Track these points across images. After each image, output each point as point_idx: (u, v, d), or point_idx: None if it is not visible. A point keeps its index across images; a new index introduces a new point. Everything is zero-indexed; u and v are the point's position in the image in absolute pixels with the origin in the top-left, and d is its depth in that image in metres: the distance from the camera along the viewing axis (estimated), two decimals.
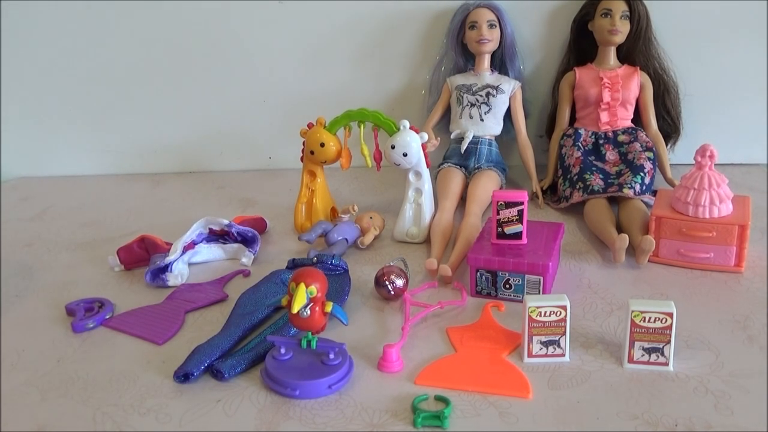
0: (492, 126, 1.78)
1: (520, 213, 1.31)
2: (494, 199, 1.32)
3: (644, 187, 1.57)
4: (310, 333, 1.08)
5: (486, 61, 1.80)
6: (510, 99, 1.80)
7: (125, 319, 1.26)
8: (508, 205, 1.31)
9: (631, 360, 1.06)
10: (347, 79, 1.99)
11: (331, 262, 1.37)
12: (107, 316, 1.27)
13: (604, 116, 1.75)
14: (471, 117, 1.78)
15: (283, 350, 1.07)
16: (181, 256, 1.42)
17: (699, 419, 0.95)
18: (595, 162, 1.70)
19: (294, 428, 0.96)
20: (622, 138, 1.73)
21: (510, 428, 0.95)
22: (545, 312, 1.07)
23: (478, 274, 1.29)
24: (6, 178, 2.15)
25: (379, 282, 1.29)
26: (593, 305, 1.26)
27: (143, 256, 1.46)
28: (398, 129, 1.53)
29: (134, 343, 1.19)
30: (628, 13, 1.72)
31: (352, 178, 1.97)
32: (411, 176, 1.55)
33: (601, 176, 1.62)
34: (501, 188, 1.72)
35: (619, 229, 1.46)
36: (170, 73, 2.02)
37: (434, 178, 1.69)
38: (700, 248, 1.36)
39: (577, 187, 1.62)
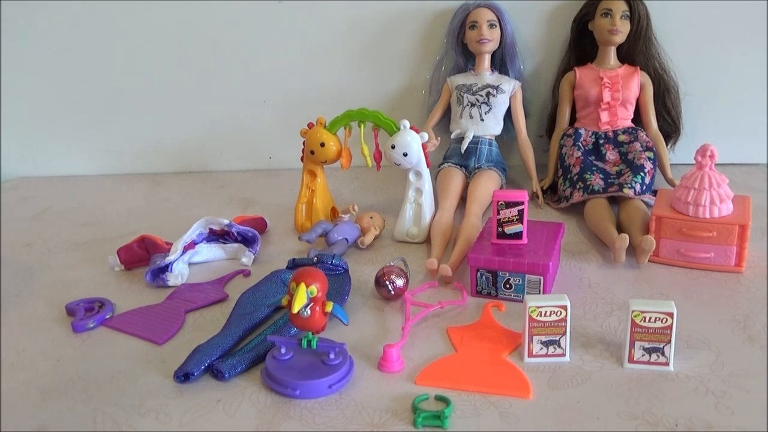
0: (492, 126, 1.78)
1: (521, 213, 1.31)
2: (494, 198, 1.32)
3: (644, 187, 1.57)
4: (310, 333, 1.08)
5: (486, 60, 1.80)
6: (510, 99, 1.80)
7: (125, 319, 1.26)
8: (509, 204, 1.31)
9: (631, 360, 1.06)
10: (347, 79, 1.99)
11: (332, 262, 1.37)
12: (107, 316, 1.27)
13: (605, 116, 1.75)
14: (471, 117, 1.77)
15: (283, 350, 1.07)
16: (181, 256, 1.42)
17: (699, 419, 0.95)
18: (595, 162, 1.70)
19: (294, 428, 0.96)
20: (622, 138, 1.73)
21: (510, 428, 0.95)
22: (545, 312, 1.07)
23: (479, 273, 1.29)
24: (6, 178, 2.15)
25: (380, 282, 1.29)
26: (593, 305, 1.26)
27: (143, 256, 1.46)
28: (398, 129, 1.53)
29: (134, 343, 1.19)
30: (628, 13, 1.72)
31: (352, 178, 1.97)
32: (411, 176, 1.55)
33: (601, 176, 1.62)
34: (501, 188, 1.72)
35: (620, 229, 1.46)
36: (170, 73, 2.02)
37: (434, 178, 1.69)
38: (701, 248, 1.36)
39: (578, 186, 1.62)
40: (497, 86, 1.78)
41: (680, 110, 1.84)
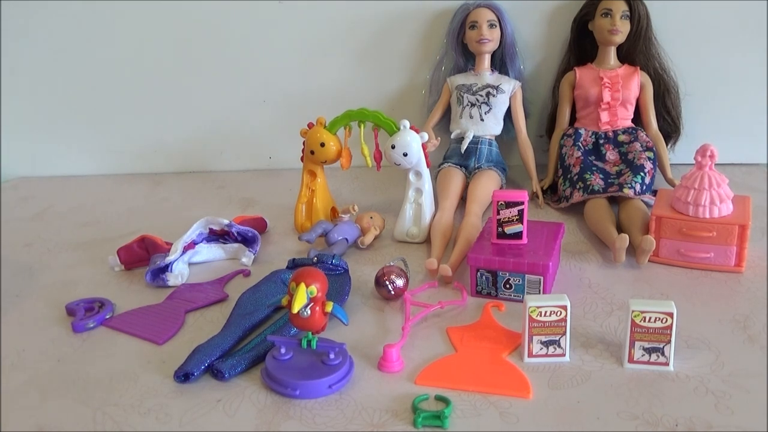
0: (492, 126, 1.78)
1: (521, 213, 1.31)
2: (494, 198, 1.32)
3: (644, 187, 1.57)
4: (310, 333, 1.08)
5: (486, 60, 1.80)
6: (510, 99, 1.80)
7: (125, 319, 1.26)
8: (509, 204, 1.31)
9: (631, 360, 1.06)
10: (347, 79, 1.99)
11: (332, 262, 1.37)
12: (107, 316, 1.27)
13: (605, 116, 1.75)
14: (471, 117, 1.77)
15: (283, 350, 1.07)
16: (181, 256, 1.42)
17: (699, 419, 0.95)
18: (595, 162, 1.70)
19: (294, 428, 0.96)
20: (622, 138, 1.73)
21: (510, 428, 0.95)
22: (545, 312, 1.07)
23: (479, 273, 1.29)
24: (6, 178, 2.15)
25: (380, 282, 1.29)
26: (593, 305, 1.26)
27: (143, 256, 1.46)
28: (398, 129, 1.53)
29: (134, 343, 1.19)
30: (628, 13, 1.72)
31: (352, 178, 1.97)
32: (411, 176, 1.55)
33: (601, 176, 1.62)
34: (501, 188, 1.72)
35: (619, 229, 1.46)
36: (170, 73, 2.02)
37: (434, 178, 1.69)
38: (701, 248, 1.36)
39: (578, 186, 1.62)
40: (497, 86, 1.78)
41: (680, 110, 1.84)
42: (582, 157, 1.68)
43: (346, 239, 1.49)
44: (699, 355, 1.09)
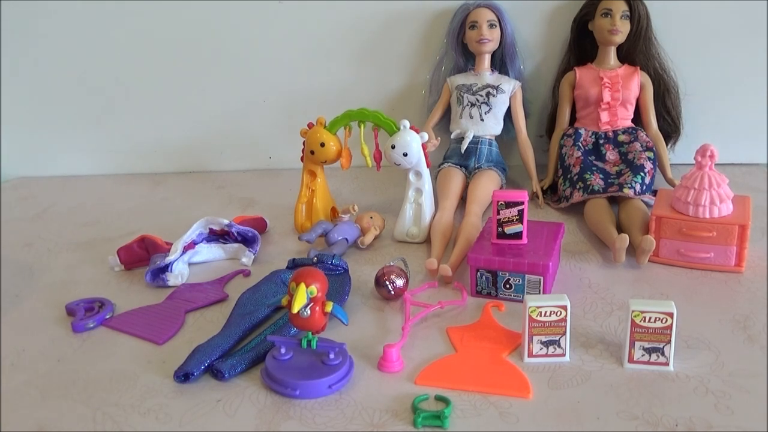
0: (492, 126, 1.78)
1: (521, 213, 1.31)
2: (494, 198, 1.32)
3: (644, 187, 1.57)
4: (310, 333, 1.08)
5: (486, 60, 1.80)
6: (510, 99, 1.80)
7: (125, 319, 1.26)
8: (509, 204, 1.31)
9: (631, 360, 1.06)
10: (347, 79, 1.99)
11: (332, 262, 1.37)
12: (107, 316, 1.27)
13: (605, 116, 1.75)
14: (471, 117, 1.78)
15: (283, 350, 1.07)
16: (181, 256, 1.42)
17: (699, 419, 0.95)
18: (595, 162, 1.70)
19: (294, 428, 0.96)
20: (622, 138, 1.73)
21: (510, 428, 0.95)
22: (545, 312, 1.07)
23: (479, 273, 1.29)
24: (6, 178, 2.15)
25: (379, 282, 1.29)
26: (593, 305, 1.26)
27: (143, 256, 1.46)
28: (398, 129, 1.53)
29: (134, 343, 1.19)
30: (628, 13, 1.72)
31: (352, 178, 1.97)
32: (411, 176, 1.55)
33: (601, 176, 1.62)
34: (501, 188, 1.72)
35: (619, 229, 1.46)
36: (170, 73, 2.02)
37: (434, 178, 1.69)
38: (701, 248, 1.36)
39: (578, 186, 1.62)
40: (497, 86, 1.78)
41: (680, 110, 1.84)
42: (582, 157, 1.68)
43: (346, 239, 1.49)
44: (699, 355, 1.09)
